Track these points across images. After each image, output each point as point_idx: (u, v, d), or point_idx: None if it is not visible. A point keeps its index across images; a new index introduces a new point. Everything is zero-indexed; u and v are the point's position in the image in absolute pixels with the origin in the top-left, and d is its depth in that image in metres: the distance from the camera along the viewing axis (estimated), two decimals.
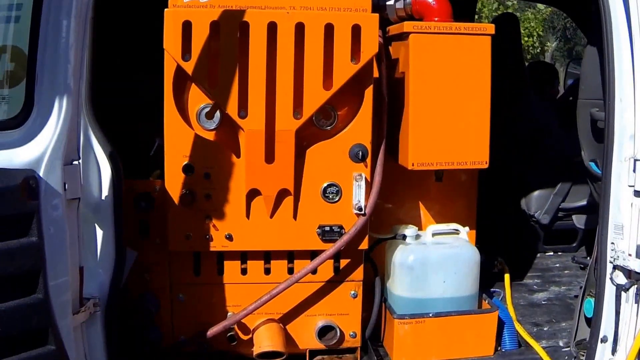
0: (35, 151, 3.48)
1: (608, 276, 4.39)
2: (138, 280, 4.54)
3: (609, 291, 4.40)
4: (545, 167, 6.97)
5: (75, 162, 3.72)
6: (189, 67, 4.17)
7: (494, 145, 4.70)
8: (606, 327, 4.43)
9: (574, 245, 7.11)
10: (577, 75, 9.29)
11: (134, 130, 4.94)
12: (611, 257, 4.37)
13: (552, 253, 7.08)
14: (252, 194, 4.40)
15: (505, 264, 6.08)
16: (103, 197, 4.00)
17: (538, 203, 6.92)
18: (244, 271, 4.61)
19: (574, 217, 7.01)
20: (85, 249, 3.94)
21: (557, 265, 6.79)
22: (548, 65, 9.77)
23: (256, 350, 4.51)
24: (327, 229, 4.48)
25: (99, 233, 4.05)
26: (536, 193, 6.95)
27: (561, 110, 7.66)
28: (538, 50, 34.20)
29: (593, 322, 4.50)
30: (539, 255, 7.02)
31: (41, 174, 3.46)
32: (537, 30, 33.17)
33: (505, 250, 6.37)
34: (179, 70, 4.26)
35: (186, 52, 4.15)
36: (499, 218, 6.74)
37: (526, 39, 31.24)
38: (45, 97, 3.53)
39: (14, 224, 3.35)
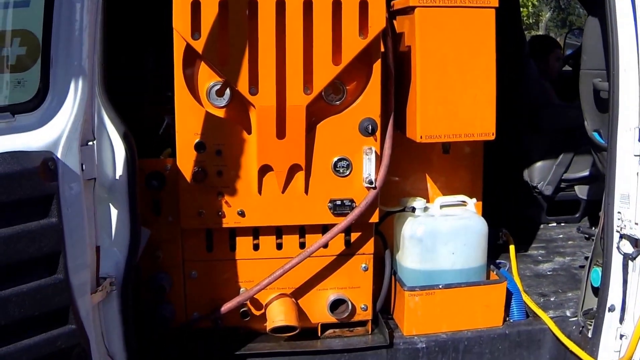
0: (52, 133, 3.51)
1: (615, 245, 4.44)
2: (151, 258, 4.59)
3: (616, 260, 4.45)
4: (547, 138, 7.00)
5: (91, 143, 3.75)
6: (198, 45, 4.19)
7: (497, 117, 4.74)
8: (613, 296, 4.48)
9: (577, 216, 7.15)
10: (575, 46, 9.32)
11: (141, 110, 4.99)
12: (618, 227, 4.41)
13: (555, 224, 7.13)
14: (264, 169, 4.44)
15: (510, 236, 6.12)
16: (117, 177, 4.03)
17: (541, 174, 6.96)
18: (256, 247, 4.66)
19: (576, 187, 7.05)
20: (100, 229, 3.98)
21: (561, 236, 6.84)
22: (549, 39, 9.73)
23: (269, 325, 4.57)
24: (339, 202, 4.53)
25: (114, 212, 4.09)
26: (539, 164, 6.98)
27: (563, 81, 7.69)
28: (532, 21, 34.13)
29: (600, 292, 4.55)
30: (542, 226, 7.06)
31: (59, 155, 3.49)
32: (532, 0, 33.06)
33: (509, 221, 6.41)
34: (189, 49, 4.28)
35: (195, 31, 4.17)
36: (502, 190, 6.77)
37: (520, 9, 31.08)
38: (60, 79, 3.55)
39: (34, 205, 3.38)
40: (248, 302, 4.68)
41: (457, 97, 4.66)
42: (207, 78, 4.41)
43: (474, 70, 4.66)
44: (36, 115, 3.51)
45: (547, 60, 7.91)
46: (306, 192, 4.51)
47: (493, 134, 4.71)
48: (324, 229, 4.62)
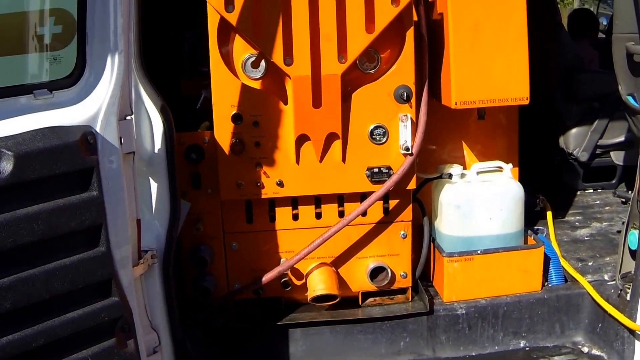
0: (91, 108, 3.54)
1: None
2: (192, 230, 4.63)
3: None
4: (582, 104, 6.96)
5: (129, 117, 3.78)
6: (232, 18, 4.21)
7: (530, 83, 4.73)
8: None
9: (614, 182, 7.10)
10: (608, 15, 9.26)
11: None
12: None
13: (591, 190, 7.09)
14: (301, 139, 4.47)
15: (547, 202, 6.12)
16: (156, 150, 4.07)
17: (576, 140, 6.93)
18: (295, 217, 4.69)
19: (612, 153, 7.00)
20: (140, 202, 4.02)
21: (598, 202, 6.81)
22: (588, 12, 9.66)
23: (310, 294, 4.61)
24: (376, 170, 4.55)
25: (154, 185, 4.13)
26: (574, 131, 6.95)
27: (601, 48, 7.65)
28: None
29: (638, 254, 4.52)
30: (579, 192, 7.03)
31: (98, 129, 3.52)
32: None
33: (546, 188, 6.40)
34: (223, 22, 4.30)
35: (229, 4, 4.19)
36: (538, 156, 6.74)
37: None
38: (96, 55, 3.57)
39: (75, 179, 3.41)
40: (289, 272, 4.73)
41: (491, 62, 4.65)
42: (242, 50, 4.44)
43: (506, 36, 4.65)
44: (74, 91, 3.54)
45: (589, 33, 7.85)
46: (343, 160, 4.53)
47: (527, 99, 4.71)
48: (362, 197, 4.64)
